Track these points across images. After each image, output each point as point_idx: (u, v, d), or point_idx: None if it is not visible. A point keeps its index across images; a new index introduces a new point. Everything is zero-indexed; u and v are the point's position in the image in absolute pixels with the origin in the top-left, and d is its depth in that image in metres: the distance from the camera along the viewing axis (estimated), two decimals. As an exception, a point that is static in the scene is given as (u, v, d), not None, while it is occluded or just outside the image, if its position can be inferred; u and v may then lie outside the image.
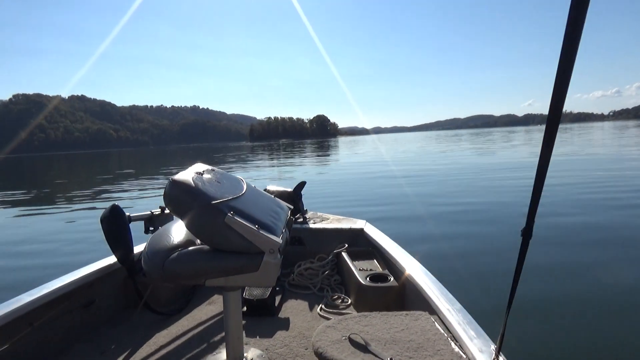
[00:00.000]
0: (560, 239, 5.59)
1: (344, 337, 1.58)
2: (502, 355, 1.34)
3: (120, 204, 2.35)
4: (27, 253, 6.86)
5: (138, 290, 2.38)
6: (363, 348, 1.51)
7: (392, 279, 2.33)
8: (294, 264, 2.92)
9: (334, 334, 1.60)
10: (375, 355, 1.46)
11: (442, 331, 1.61)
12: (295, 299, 2.64)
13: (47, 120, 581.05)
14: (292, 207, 2.10)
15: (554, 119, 0.96)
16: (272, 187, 3.27)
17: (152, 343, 2.14)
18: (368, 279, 2.36)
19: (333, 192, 11.61)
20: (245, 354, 1.89)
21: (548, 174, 1.04)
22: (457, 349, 1.48)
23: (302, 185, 3.33)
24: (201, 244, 1.63)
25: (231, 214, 1.48)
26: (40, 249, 7.09)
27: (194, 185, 1.53)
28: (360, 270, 2.50)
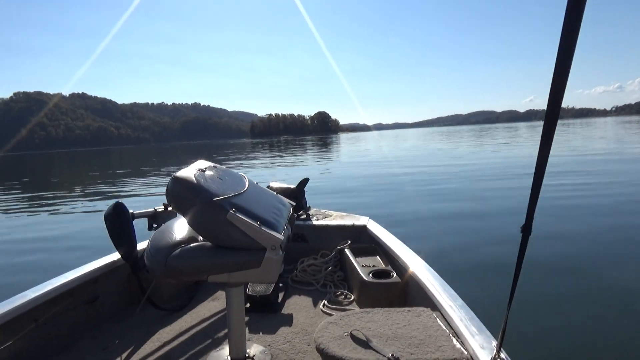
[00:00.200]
0: (561, 235, 5.60)
1: (345, 333, 1.57)
2: (504, 352, 1.34)
3: (124, 201, 2.36)
4: (31, 250, 6.89)
5: (142, 287, 2.40)
6: (364, 344, 1.50)
7: (394, 275, 2.34)
8: (297, 260, 2.93)
9: (336, 330, 1.60)
10: (377, 352, 1.45)
11: (444, 327, 1.60)
12: (298, 295, 2.65)
13: (48, 118, 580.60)
14: (294, 203, 2.11)
15: (552, 115, 0.95)
16: (275, 184, 3.28)
17: (155, 339, 2.15)
18: (371, 275, 2.36)
19: (336, 189, 11.62)
20: (248, 350, 1.90)
21: (549, 169, 1.03)
22: (458, 345, 1.48)
23: (305, 182, 3.33)
24: (203, 240, 1.64)
25: (233, 210, 1.48)
26: (44, 246, 7.12)
27: (196, 182, 1.54)
28: (363, 266, 2.50)
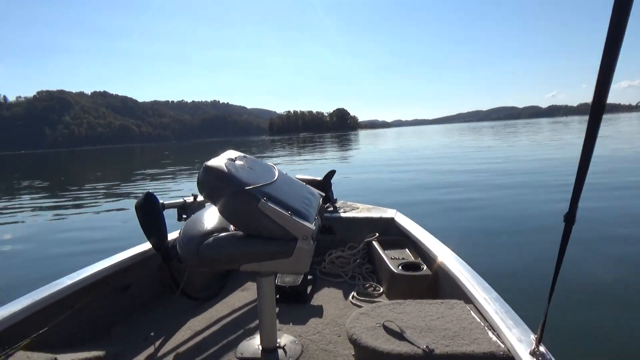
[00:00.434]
0: (605, 226, 5.46)
1: (378, 324, 1.55)
2: (543, 345, 1.30)
3: (153, 192, 2.39)
4: (66, 240, 7.13)
5: (173, 276, 2.42)
6: (398, 335, 1.48)
7: (424, 267, 2.32)
8: (325, 252, 2.93)
9: (368, 321, 1.59)
10: (411, 343, 1.42)
11: (479, 320, 1.57)
12: (326, 286, 2.64)
13: (71, 116, 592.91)
14: (323, 194, 2.10)
15: (600, 102, 0.94)
16: (302, 176, 3.27)
17: (186, 328, 2.17)
18: (400, 267, 2.35)
19: (361, 182, 11.59)
20: (278, 340, 1.90)
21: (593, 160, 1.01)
22: (494, 338, 1.44)
23: (331, 174, 3.31)
24: (235, 229, 1.65)
25: (264, 199, 1.48)
26: (78, 236, 7.37)
27: (227, 171, 1.54)
28: (392, 259, 2.49)
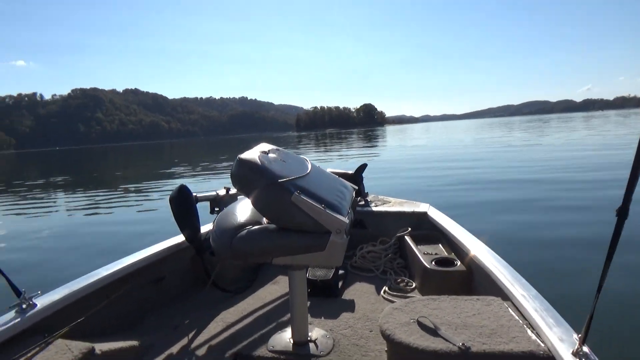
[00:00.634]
0: None
1: (412, 320, 1.51)
2: (587, 346, 1.24)
3: (186, 185, 2.41)
4: (102, 231, 7.39)
5: (206, 269, 2.44)
6: (433, 332, 1.43)
7: (458, 263, 2.27)
8: (356, 246, 2.90)
9: (402, 316, 1.55)
10: (446, 340, 1.38)
11: (517, 318, 1.52)
12: (357, 281, 2.62)
13: (103, 113, 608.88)
14: (356, 187, 2.07)
15: None
16: (333, 170, 3.25)
17: (219, 320, 2.19)
18: (433, 263, 2.31)
19: (392, 176, 11.52)
20: (310, 334, 1.90)
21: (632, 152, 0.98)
22: (534, 336, 1.39)
23: (363, 167, 3.28)
24: (267, 222, 1.65)
25: (298, 192, 1.47)
26: (113, 228, 7.61)
27: (260, 163, 1.53)
28: (424, 254, 2.45)
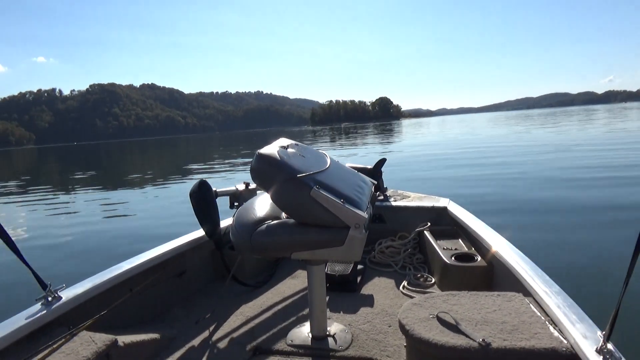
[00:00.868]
0: None
1: (431, 316, 1.50)
2: (611, 343, 1.20)
3: (206, 180, 2.43)
4: (125, 225, 7.54)
5: (225, 263, 2.47)
6: (453, 327, 1.42)
7: (479, 258, 2.25)
8: (375, 241, 2.89)
9: (421, 311, 1.54)
10: (466, 336, 1.36)
11: (539, 314, 1.49)
12: (376, 276, 2.61)
13: (120, 108, 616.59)
14: (375, 182, 2.07)
15: None
16: (352, 164, 3.24)
17: (239, 313, 2.21)
18: (453, 258, 2.29)
19: (411, 170, 11.45)
20: (328, 329, 1.91)
21: None
22: (556, 333, 1.36)
23: (382, 162, 3.26)
24: (287, 217, 1.65)
25: (317, 187, 1.48)
26: (136, 221, 7.78)
27: (279, 158, 1.54)
28: (444, 249, 2.43)
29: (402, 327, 1.49)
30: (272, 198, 1.58)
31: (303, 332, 1.93)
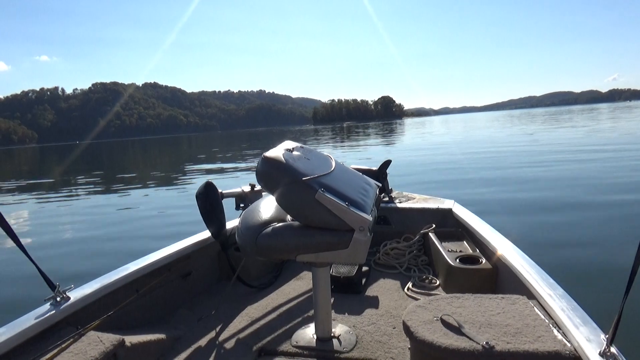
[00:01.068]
0: None
1: (435, 318, 1.50)
2: (614, 347, 1.21)
3: (212, 182, 2.44)
4: (130, 226, 7.51)
5: (231, 264, 2.48)
6: (456, 330, 1.42)
7: (483, 260, 2.25)
8: (380, 243, 2.90)
9: (425, 314, 1.55)
10: (470, 338, 1.37)
11: (543, 317, 1.49)
12: (381, 278, 2.62)
13: (122, 107, 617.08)
14: (380, 184, 2.07)
15: None
16: (357, 166, 3.24)
17: (244, 314, 2.23)
18: (458, 260, 2.29)
19: (416, 172, 11.40)
20: (333, 330, 1.92)
21: None
22: (560, 336, 1.36)
23: (387, 163, 3.26)
24: (292, 219, 1.66)
25: (322, 190, 1.49)
26: (142, 222, 7.76)
27: (284, 161, 1.56)
28: (449, 251, 2.43)
29: (406, 329, 1.50)
30: (278, 201, 1.60)
31: (308, 333, 1.94)
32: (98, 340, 1.55)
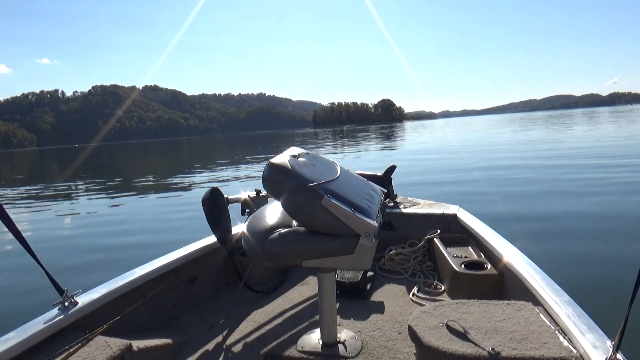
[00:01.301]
0: None
1: (441, 324, 1.51)
2: (621, 353, 1.21)
3: (218, 187, 2.46)
4: (138, 231, 7.54)
5: (237, 269, 2.49)
6: (462, 336, 1.43)
7: (489, 266, 2.26)
8: (385, 248, 2.90)
9: (431, 319, 1.55)
10: (475, 344, 1.37)
11: (549, 323, 1.49)
12: (386, 283, 2.63)
13: (123, 110, 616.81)
14: (385, 190, 2.08)
15: None
16: (362, 172, 3.25)
17: (250, 319, 2.24)
18: (463, 266, 2.30)
19: (421, 177, 11.39)
20: (338, 335, 1.92)
21: None
22: (566, 343, 1.36)
23: (392, 169, 3.27)
24: (298, 225, 1.67)
25: (327, 196, 1.50)
26: (149, 227, 7.80)
27: (290, 168, 1.57)
28: (454, 257, 2.44)
29: (412, 335, 1.50)
30: (284, 206, 1.61)
31: (313, 338, 1.95)
32: (106, 345, 1.56)
